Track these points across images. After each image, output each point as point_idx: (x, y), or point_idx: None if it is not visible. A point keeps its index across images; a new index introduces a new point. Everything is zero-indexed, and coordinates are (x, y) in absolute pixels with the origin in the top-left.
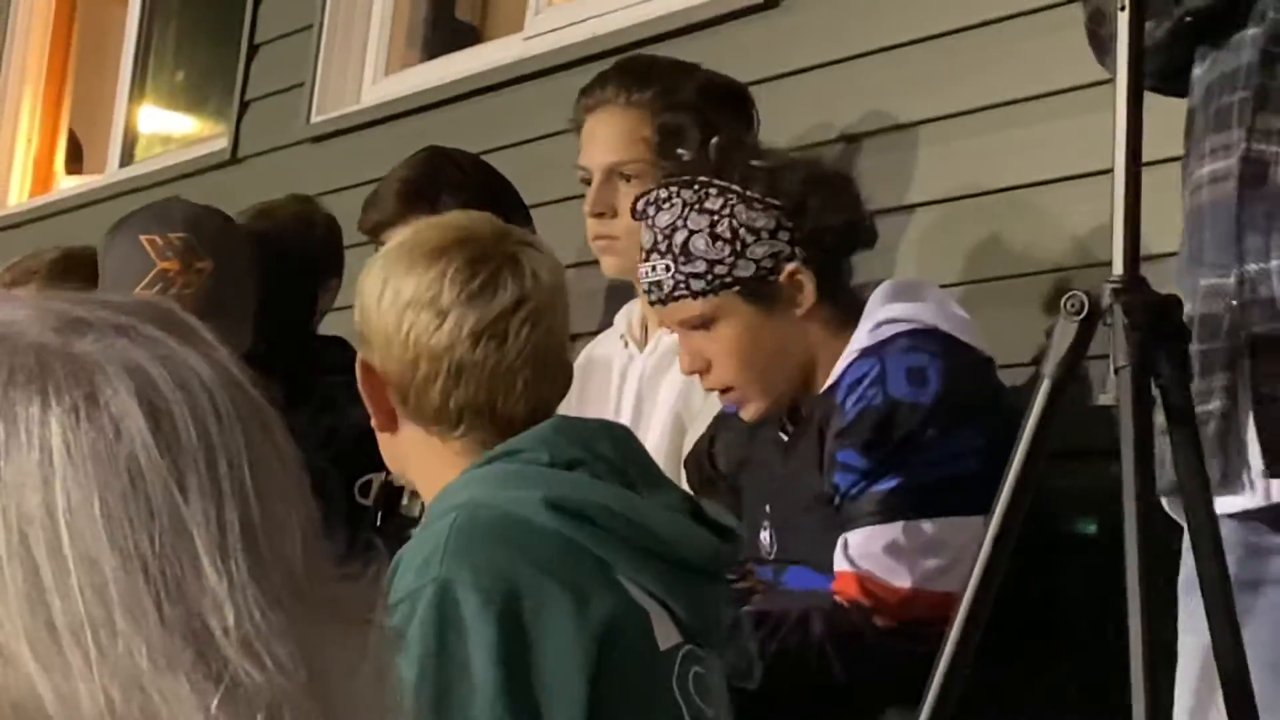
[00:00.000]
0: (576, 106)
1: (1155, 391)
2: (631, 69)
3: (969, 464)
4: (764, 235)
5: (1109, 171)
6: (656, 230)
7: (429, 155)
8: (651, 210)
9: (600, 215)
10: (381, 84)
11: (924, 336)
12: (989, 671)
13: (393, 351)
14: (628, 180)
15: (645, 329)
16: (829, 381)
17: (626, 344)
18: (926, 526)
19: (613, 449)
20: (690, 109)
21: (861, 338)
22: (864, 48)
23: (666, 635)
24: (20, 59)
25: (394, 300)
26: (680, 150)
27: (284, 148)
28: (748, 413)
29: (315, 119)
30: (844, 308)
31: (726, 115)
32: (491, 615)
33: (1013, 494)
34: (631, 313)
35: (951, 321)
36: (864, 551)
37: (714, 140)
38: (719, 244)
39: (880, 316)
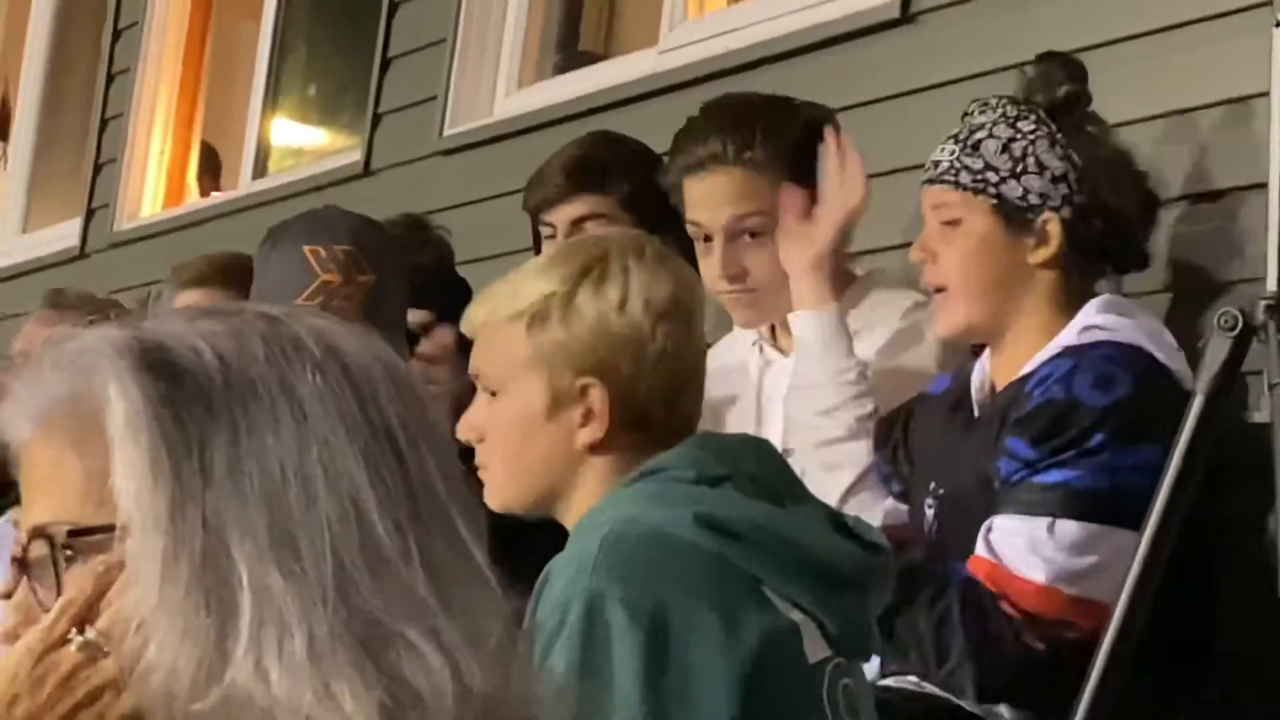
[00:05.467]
0: (674, 165)
1: None
2: (732, 123)
3: (1136, 479)
4: (1047, 175)
5: (1264, 185)
6: (969, 123)
7: (598, 136)
8: (976, 109)
9: (735, 276)
10: (514, 97)
11: (1126, 350)
12: (1140, 687)
13: (640, 361)
14: (756, 235)
15: (774, 334)
16: (1024, 370)
17: (762, 349)
18: (1074, 528)
19: (757, 464)
20: (798, 156)
21: (1067, 337)
22: (997, 63)
23: (816, 649)
24: (154, 72)
25: (645, 308)
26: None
27: (416, 160)
28: (942, 323)
29: (448, 132)
30: (1072, 294)
31: (815, 148)
32: (639, 631)
33: (1166, 508)
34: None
35: (1159, 346)
36: (1004, 539)
37: (1066, 87)
38: (1005, 156)
39: (1089, 322)
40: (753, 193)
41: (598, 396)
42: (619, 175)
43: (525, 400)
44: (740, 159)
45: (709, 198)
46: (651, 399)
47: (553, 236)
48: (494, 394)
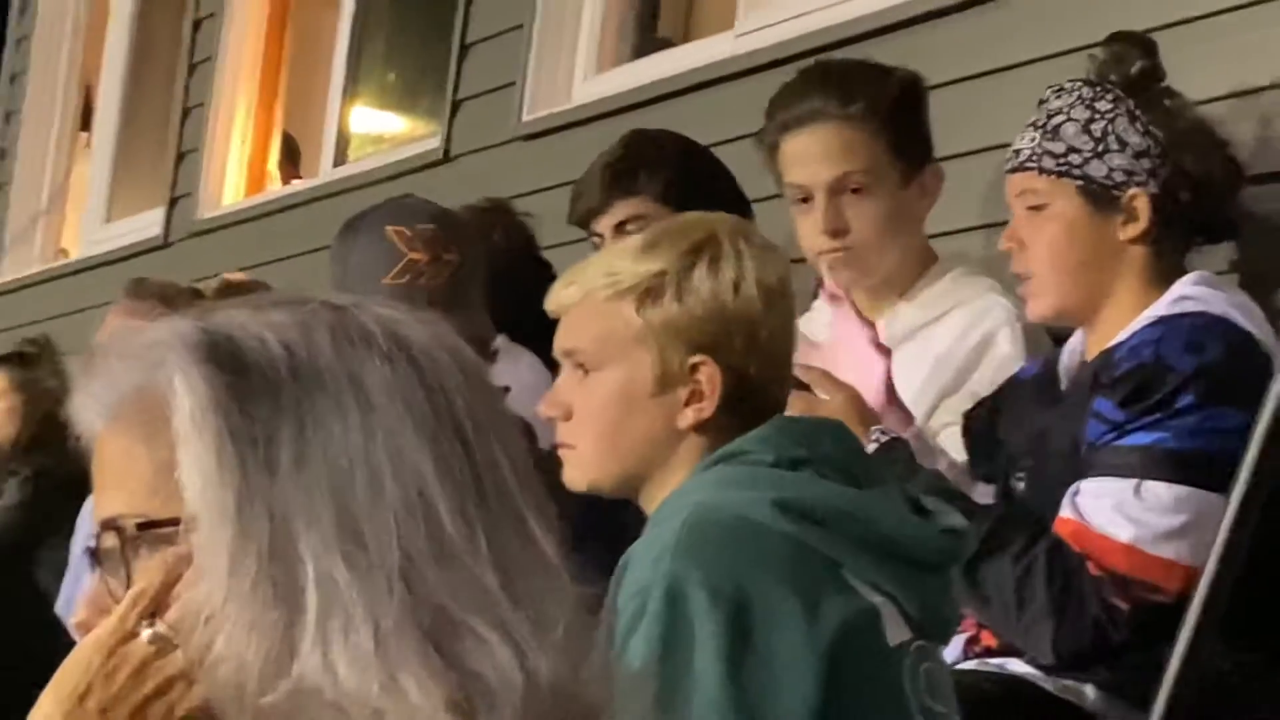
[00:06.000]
0: (774, 123)
1: None
2: (834, 81)
3: (1224, 442)
4: (1129, 152)
5: None
6: (1046, 109)
7: (627, 137)
8: (1051, 94)
9: (835, 233)
10: (592, 82)
11: (1216, 319)
12: (1230, 658)
13: (752, 342)
14: (857, 193)
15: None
16: (1116, 339)
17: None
18: (1161, 489)
19: (835, 447)
20: (896, 113)
21: (1159, 308)
22: (1076, 43)
23: (896, 632)
24: (235, 61)
25: (758, 288)
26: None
27: (495, 147)
28: (1034, 309)
29: (526, 117)
30: (1164, 269)
31: (923, 117)
32: (720, 616)
33: (1253, 473)
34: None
35: (1249, 318)
36: (1090, 501)
37: (1139, 63)
38: (1085, 137)
39: (1182, 294)
40: (854, 148)
41: (709, 375)
42: (650, 173)
43: (630, 376)
44: (843, 113)
45: (810, 154)
46: (758, 380)
47: (601, 244)
48: (587, 371)
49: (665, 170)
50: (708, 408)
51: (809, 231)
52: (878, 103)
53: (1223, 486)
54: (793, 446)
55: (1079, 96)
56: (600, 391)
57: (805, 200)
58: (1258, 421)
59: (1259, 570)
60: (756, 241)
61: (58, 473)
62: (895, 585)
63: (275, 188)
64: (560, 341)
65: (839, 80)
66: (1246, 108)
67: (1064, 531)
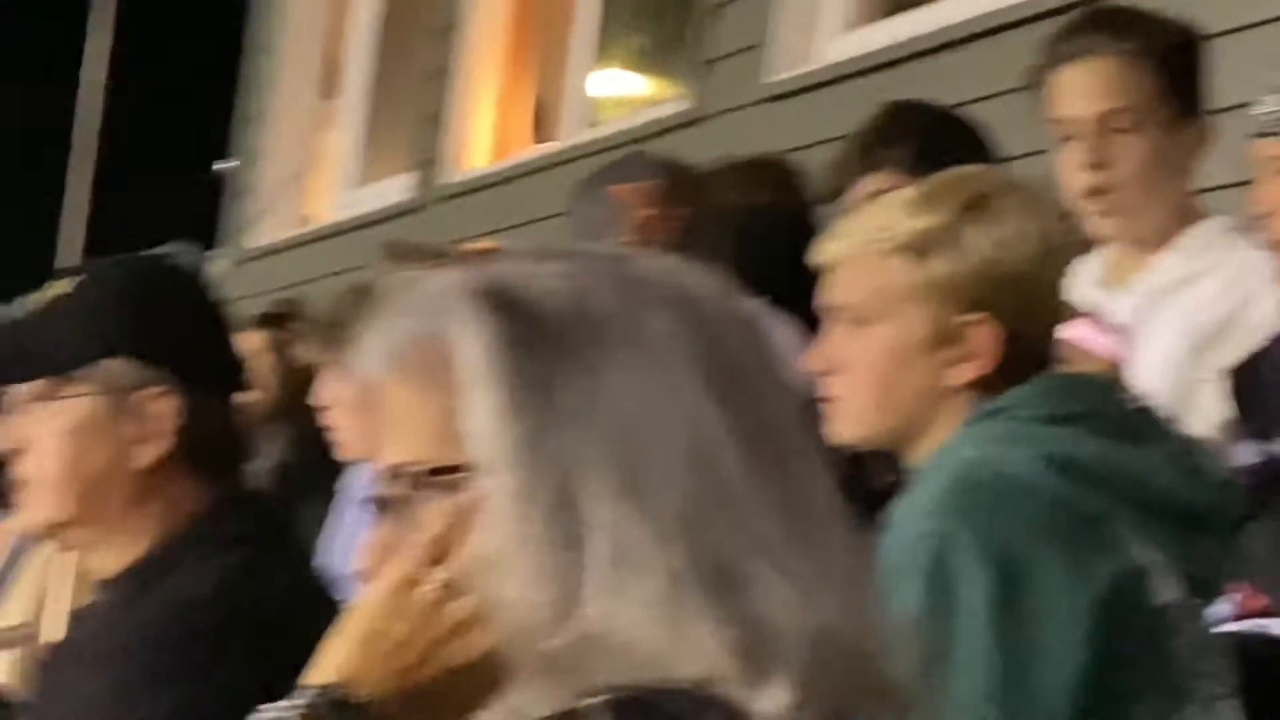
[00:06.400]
0: (1047, 57)
1: None
2: (1109, 18)
3: None
4: None
5: None
6: None
7: (879, 110)
8: None
9: (1098, 167)
10: (840, 41)
11: None
12: None
13: (1028, 300)
14: (1124, 132)
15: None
16: None
17: (1104, 285)
18: None
19: (1107, 403)
20: (1171, 56)
21: None
22: None
23: (1165, 590)
24: (484, 26)
25: (1032, 244)
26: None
27: (744, 107)
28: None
29: (773, 78)
30: None
31: (1199, 70)
32: (987, 574)
33: None
34: (1093, 262)
35: None
36: None
37: None
38: None
39: None
40: (1125, 84)
41: (983, 333)
42: (902, 147)
43: (903, 332)
44: (1116, 48)
45: (1078, 87)
46: (1029, 338)
47: None
48: (861, 325)
49: (916, 142)
50: (983, 365)
51: (1069, 171)
52: (1153, 42)
53: None
54: (1064, 402)
55: None
56: (872, 347)
57: (1070, 139)
58: None
59: None
60: (1030, 195)
61: (313, 432)
62: (1166, 544)
63: (525, 151)
64: (830, 295)
65: (1116, 18)
66: None
67: None
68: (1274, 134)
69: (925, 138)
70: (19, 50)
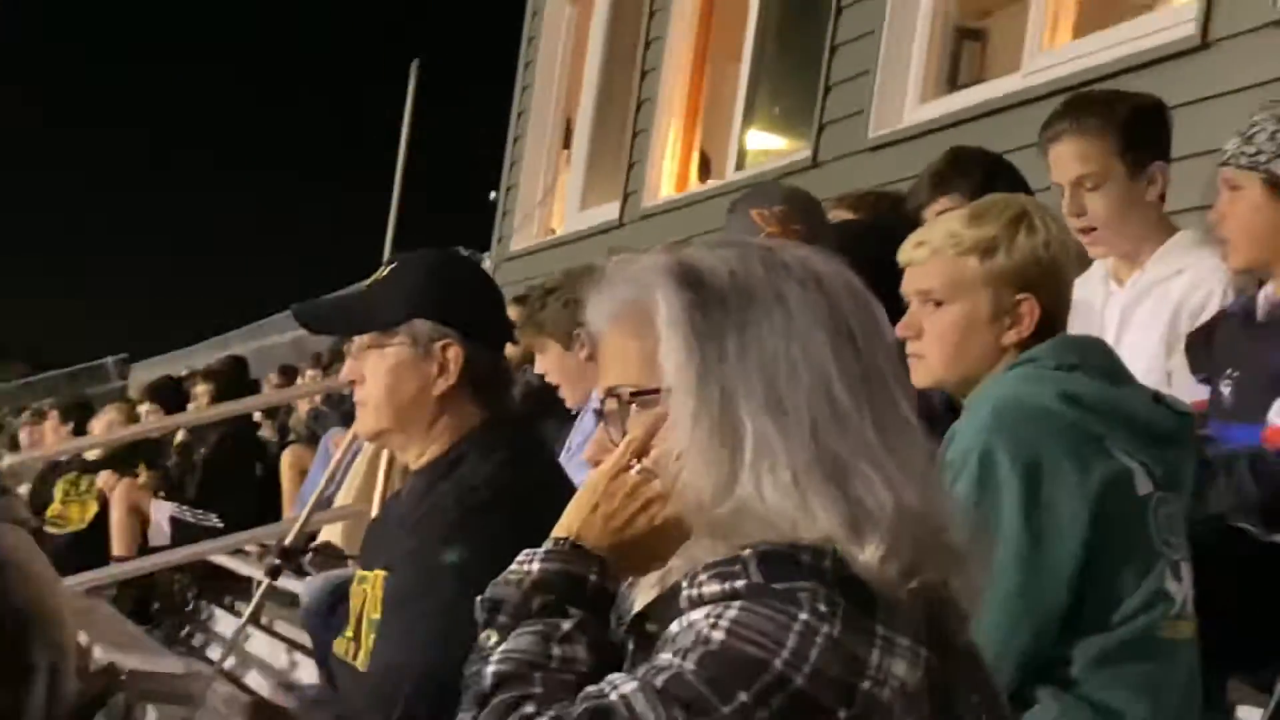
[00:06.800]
0: (1041, 139)
1: None
2: (1078, 104)
3: None
4: None
5: None
6: (1249, 121)
7: (948, 152)
8: (1256, 112)
9: (1078, 215)
10: (918, 109)
11: None
12: None
13: (1059, 285)
14: (1094, 189)
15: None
16: None
17: (1108, 284)
18: None
19: (1099, 356)
20: (1125, 128)
21: None
22: (1267, 78)
23: (1144, 486)
24: (667, 99)
25: (1063, 248)
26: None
27: (849, 155)
28: (1232, 262)
29: (872, 135)
30: None
31: (1151, 129)
32: (1017, 476)
33: None
34: (1099, 267)
35: None
36: None
37: None
38: (1271, 142)
39: None
40: (1088, 156)
41: (1029, 308)
42: (962, 179)
43: (972, 309)
44: (1081, 127)
45: (1058, 162)
46: (1060, 312)
47: None
48: (938, 305)
49: (975, 175)
50: (1025, 330)
51: (1065, 214)
52: (1110, 119)
53: None
54: (1069, 355)
55: (1272, 114)
56: (949, 319)
57: (1062, 194)
58: None
59: None
60: (1054, 215)
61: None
62: (1143, 453)
63: (694, 186)
64: (916, 283)
65: (1082, 103)
66: None
67: (1274, 439)
68: (1228, 164)
69: (982, 173)
70: (350, 113)
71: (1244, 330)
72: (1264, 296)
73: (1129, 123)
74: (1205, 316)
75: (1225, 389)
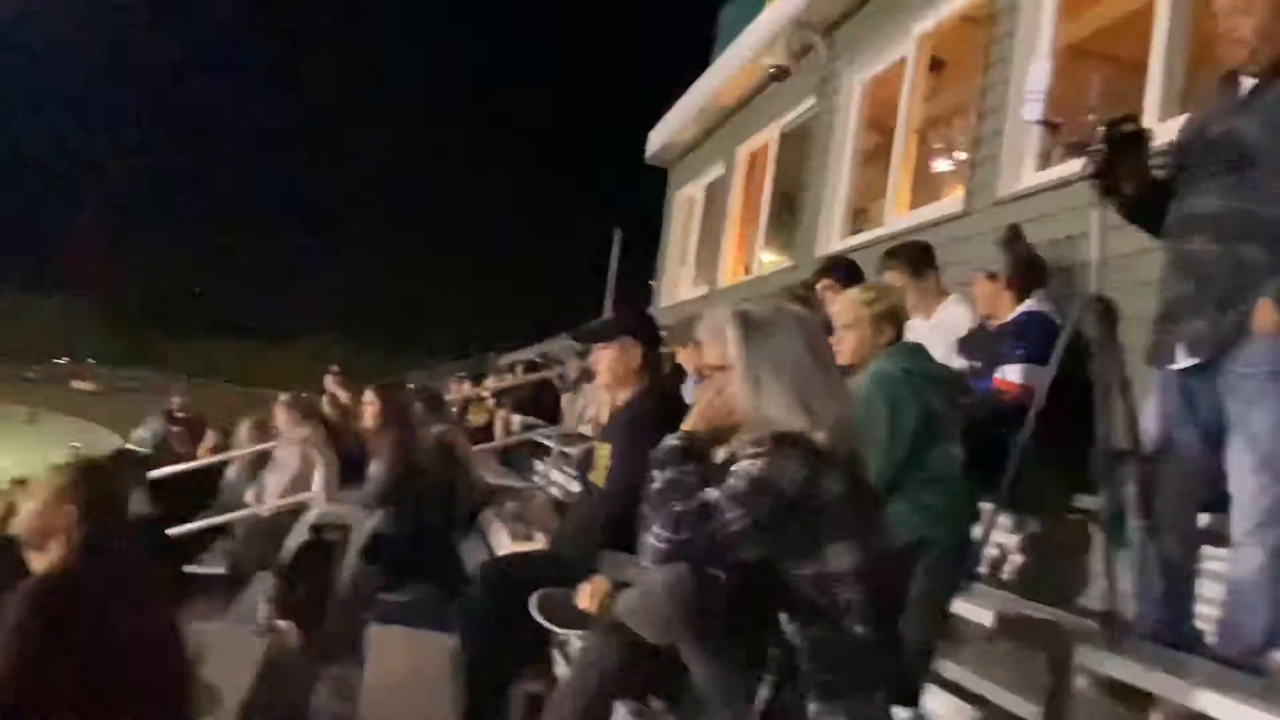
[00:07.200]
0: (882, 261)
1: None
2: (889, 252)
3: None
4: None
5: None
6: None
7: (828, 258)
8: None
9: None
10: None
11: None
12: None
13: (899, 321)
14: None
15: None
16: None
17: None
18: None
19: (920, 351)
20: (908, 262)
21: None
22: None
23: (941, 408)
24: (733, 213)
25: (900, 302)
26: None
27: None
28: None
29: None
30: None
31: (924, 256)
32: (884, 401)
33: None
34: (925, 310)
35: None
36: (1005, 370)
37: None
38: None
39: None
40: (898, 280)
41: (893, 329)
42: (835, 268)
43: (864, 332)
44: (886, 265)
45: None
46: (901, 332)
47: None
48: (846, 328)
49: (844, 266)
50: (890, 339)
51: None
52: (899, 259)
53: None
54: (907, 349)
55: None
56: (853, 337)
57: None
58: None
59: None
60: (897, 291)
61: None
62: (938, 393)
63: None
64: (839, 320)
65: (889, 254)
66: None
67: (1001, 387)
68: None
69: (847, 265)
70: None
71: (983, 336)
72: (995, 321)
73: (916, 257)
74: (963, 333)
75: (977, 365)
